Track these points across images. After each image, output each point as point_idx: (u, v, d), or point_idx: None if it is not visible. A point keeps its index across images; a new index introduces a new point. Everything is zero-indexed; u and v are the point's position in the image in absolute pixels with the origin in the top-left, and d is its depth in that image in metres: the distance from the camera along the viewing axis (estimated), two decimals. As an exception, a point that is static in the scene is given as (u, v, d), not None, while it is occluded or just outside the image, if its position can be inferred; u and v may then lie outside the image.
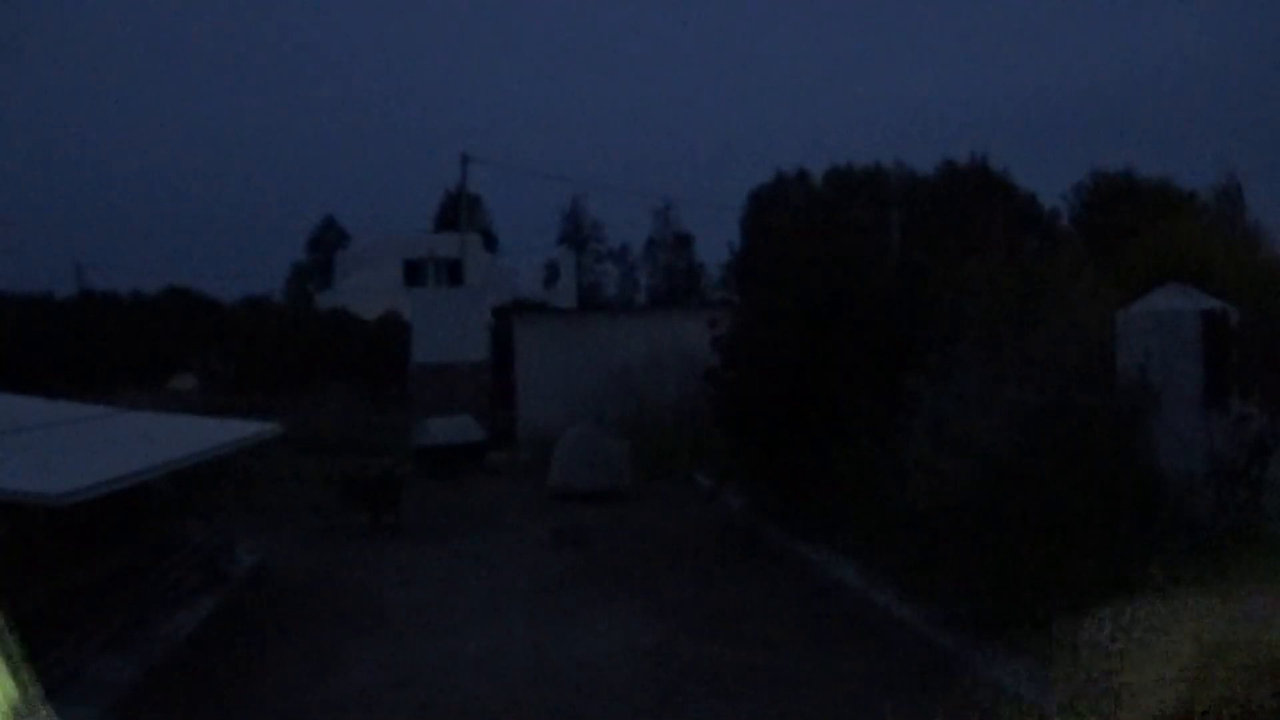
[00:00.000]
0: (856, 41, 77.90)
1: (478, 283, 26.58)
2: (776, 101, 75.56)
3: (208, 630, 6.31)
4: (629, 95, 79.68)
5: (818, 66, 76.97)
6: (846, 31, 77.52)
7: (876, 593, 6.25)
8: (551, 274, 40.47)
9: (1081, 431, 5.42)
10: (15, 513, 4.86)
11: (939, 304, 7.39)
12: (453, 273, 30.27)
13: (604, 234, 54.35)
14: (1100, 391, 5.76)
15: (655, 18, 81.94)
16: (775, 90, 76.58)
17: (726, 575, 7.70)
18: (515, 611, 6.83)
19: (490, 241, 42.67)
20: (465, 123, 70.93)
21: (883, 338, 7.93)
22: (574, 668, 5.53)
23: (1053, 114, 66.72)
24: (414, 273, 32.30)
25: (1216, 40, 65.47)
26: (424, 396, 16.77)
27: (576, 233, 53.17)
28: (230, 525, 8.75)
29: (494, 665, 5.66)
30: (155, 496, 7.40)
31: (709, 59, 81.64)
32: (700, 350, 10.36)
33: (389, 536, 9.78)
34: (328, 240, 50.79)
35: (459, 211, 31.48)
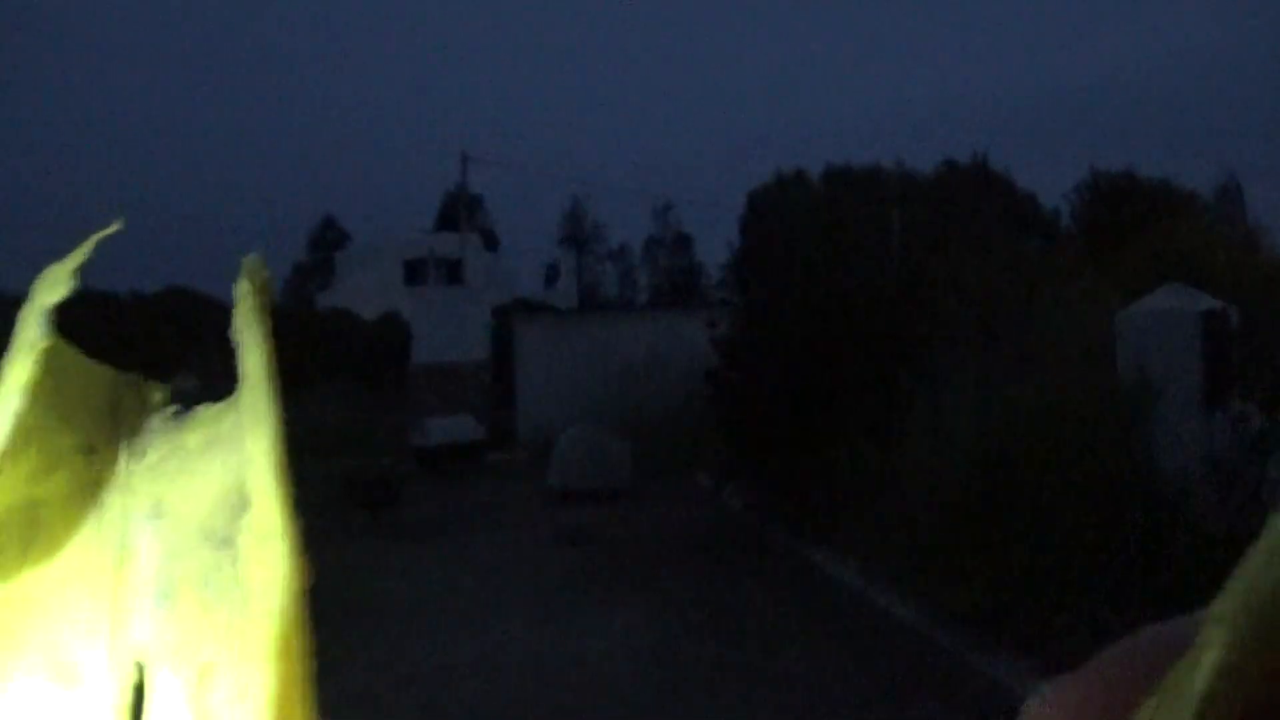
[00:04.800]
0: (856, 41, 77.93)
1: (478, 283, 26.58)
2: (776, 101, 75.64)
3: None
4: (629, 95, 79.70)
5: (817, 66, 77.00)
6: (846, 31, 77.55)
7: (876, 593, 6.25)
8: (552, 274, 40.50)
9: (1081, 431, 5.42)
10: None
11: (939, 304, 7.39)
12: (453, 273, 30.25)
13: (604, 234, 54.39)
14: (1100, 391, 5.76)
15: (656, 18, 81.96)
16: (775, 90, 76.63)
17: (726, 575, 7.70)
18: (515, 611, 6.84)
19: (490, 241, 42.69)
20: (465, 123, 71.02)
21: (882, 338, 7.94)
22: (574, 667, 5.53)
23: (1053, 114, 66.77)
24: (414, 273, 32.30)
25: (1216, 40, 65.49)
26: (424, 396, 16.79)
27: (577, 233, 53.18)
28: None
29: (494, 665, 5.66)
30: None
31: (709, 59, 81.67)
32: (700, 350, 10.37)
33: (388, 536, 9.79)
34: (328, 240, 50.80)
35: (459, 211, 31.48)
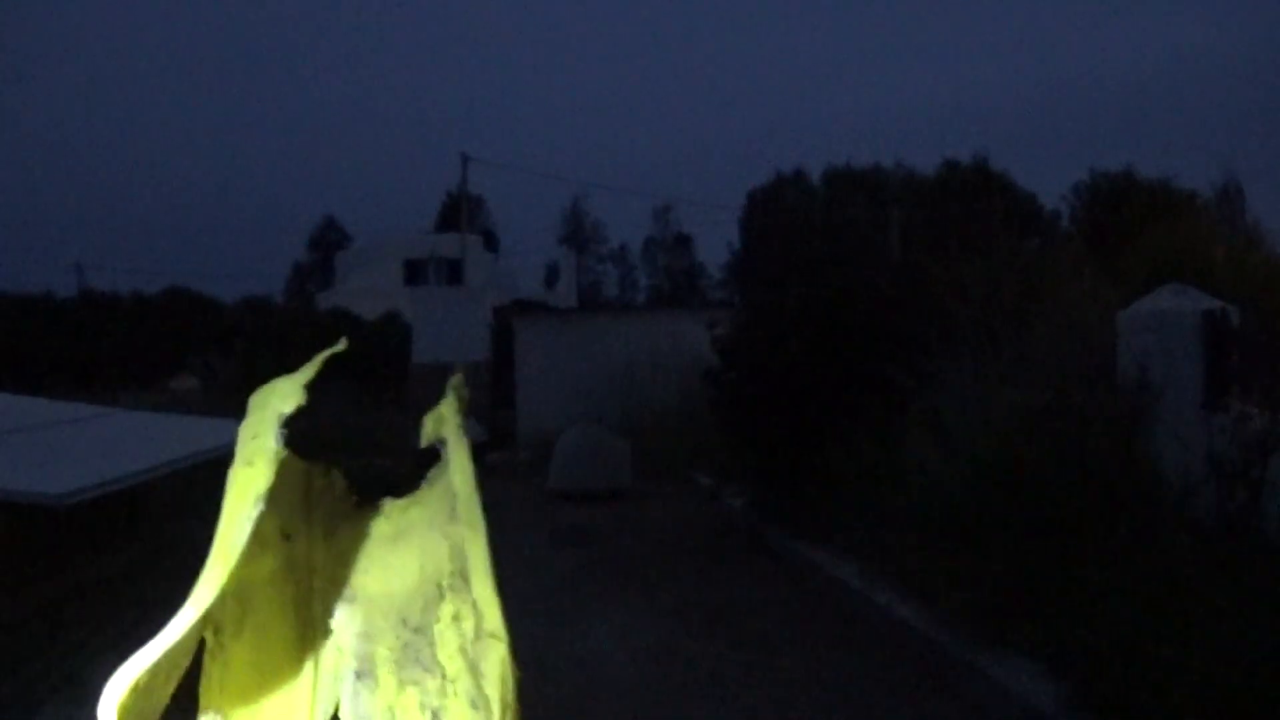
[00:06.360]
0: (856, 41, 77.89)
1: (478, 283, 26.58)
2: (776, 101, 75.60)
3: (208, 630, 6.30)
4: (629, 95, 79.64)
5: (817, 66, 76.96)
6: (846, 31, 77.51)
7: (876, 593, 6.25)
8: (552, 274, 40.50)
9: (1081, 431, 5.42)
10: (15, 513, 4.86)
11: (939, 304, 7.39)
12: (453, 273, 30.30)
13: (604, 234, 54.37)
14: (1100, 391, 5.76)
15: (656, 18, 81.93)
16: (775, 90, 76.60)
17: (727, 574, 7.70)
18: (516, 611, 6.83)
19: (491, 241, 42.67)
20: (465, 123, 70.97)
21: (882, 338, 7.93)
22: (574, 666, 5.53)
23: (1053, 114, 66.77)
24: (414, 273, 32.34)
25: (1216, 40, 65.48)
26: (424, 396, 16.73)
27: (577, 233, 53.17)
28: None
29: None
30: (155, 496, 7.40)
31: (709, 59, 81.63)
32: (700, 350, 10.36)
33: (389, 536, 9.77)
34: (328, 240, 50.81)
35: (459, 211, 31.48)
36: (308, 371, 0.30)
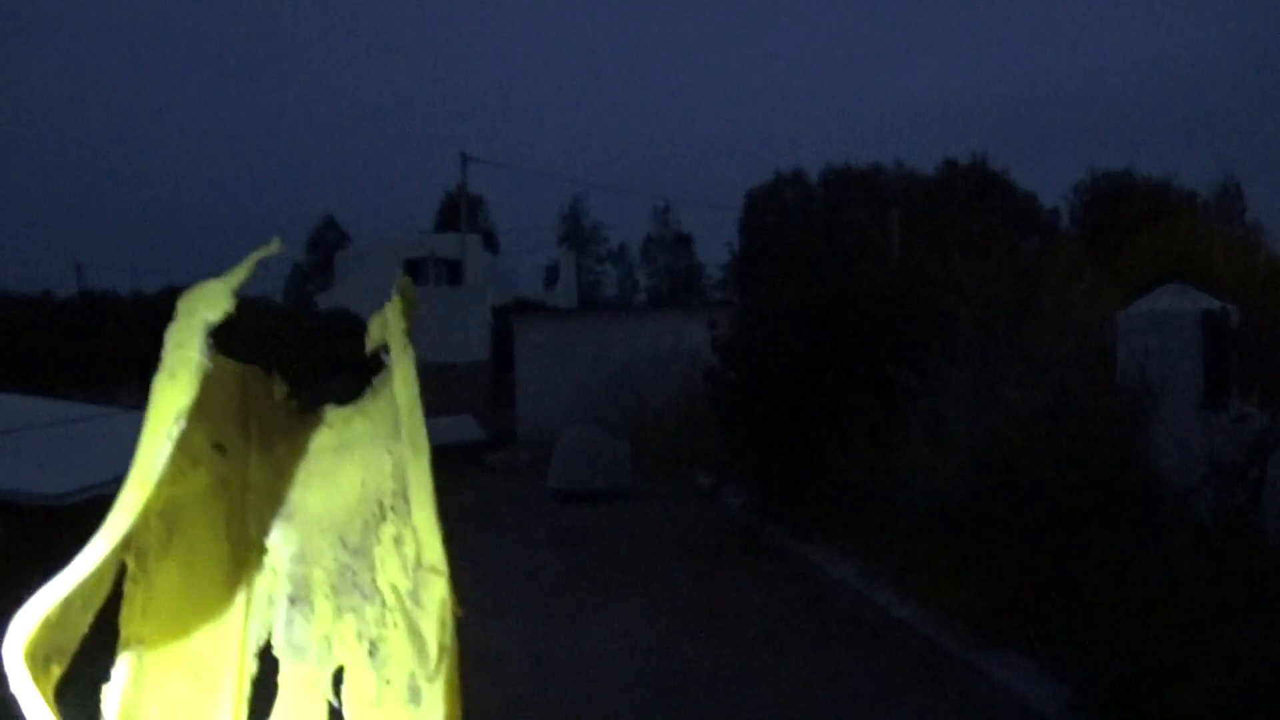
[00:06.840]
0: (856, 41, 77.87)
1: (478, 283, 26.56)
2: (776, 101, 75.59)
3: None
4: (629, 95, 79.65)
5: (817, 66, 76.94)
6: (846, 31, 77.49)
7: (876, 593, 6.25)
8: (551, 274, 40.47)
9: (1081, 431, 5.42)
10: (15, 513, 4.86)
11: (938, 304, 7.39)
12: (453, 273, 30.26)
13: (604, 234, 54.31)
14: (1100, 391, 5.76)
15: (655, 18, 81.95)
16: (775, 90, 76.61)
17: (726, 575, 7.70)
18: (516, 611, 6.83)
19: (490, 242, 42.60)
20: (465, 123, 70.97)
21: (882, 337, 7.93)
22: (574, 666, 5.53)
23: (1053, 114, 66.79)
24: (414, 273, 32.28)
25: (1216, 40, 65.47)
26: (424, 396, 16.74)
27: (576, 233, 53.10)
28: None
29: (495, 664, 5.66)
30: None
31: (708, 59, 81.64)
32: (700, 350, 10.36)
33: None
34: (328, 240, 50.73)
35: (459, 212, 31.48)
36: (238, 274, 0.29)
